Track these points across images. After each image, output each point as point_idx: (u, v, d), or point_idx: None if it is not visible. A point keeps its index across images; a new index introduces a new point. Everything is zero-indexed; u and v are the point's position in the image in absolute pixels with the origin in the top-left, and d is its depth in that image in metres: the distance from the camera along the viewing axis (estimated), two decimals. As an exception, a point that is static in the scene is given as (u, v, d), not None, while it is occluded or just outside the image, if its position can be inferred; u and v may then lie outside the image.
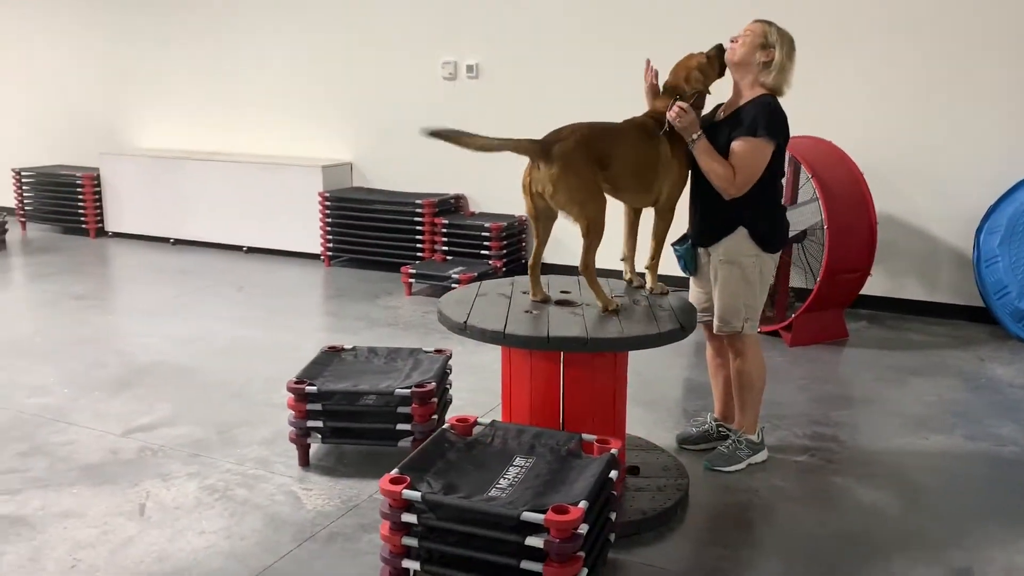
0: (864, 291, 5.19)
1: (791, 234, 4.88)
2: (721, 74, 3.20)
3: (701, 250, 3.30)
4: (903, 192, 5.42)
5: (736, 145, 3.07)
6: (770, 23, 3.19)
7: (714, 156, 3.07)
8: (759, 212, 3.16)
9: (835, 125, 5.29)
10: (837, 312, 5.09)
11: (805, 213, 4.84)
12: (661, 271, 3.23)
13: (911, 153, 5.37)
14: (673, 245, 3.37)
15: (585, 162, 2.85)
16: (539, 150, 2.84)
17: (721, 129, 3.14)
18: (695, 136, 3.05)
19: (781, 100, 3.18)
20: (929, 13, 5.21)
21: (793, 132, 5.43)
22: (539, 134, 2.93)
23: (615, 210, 3.07)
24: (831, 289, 4.83)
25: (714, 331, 3.30)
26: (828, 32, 5.42)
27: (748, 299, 3.20)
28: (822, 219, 4.69)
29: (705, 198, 3.18)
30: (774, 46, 3.14)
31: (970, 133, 5.24)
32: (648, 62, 3.21)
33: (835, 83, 5.44)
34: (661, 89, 3.17)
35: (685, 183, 3.14)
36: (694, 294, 3.39)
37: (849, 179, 4.93)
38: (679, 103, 3.02)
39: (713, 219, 3.20)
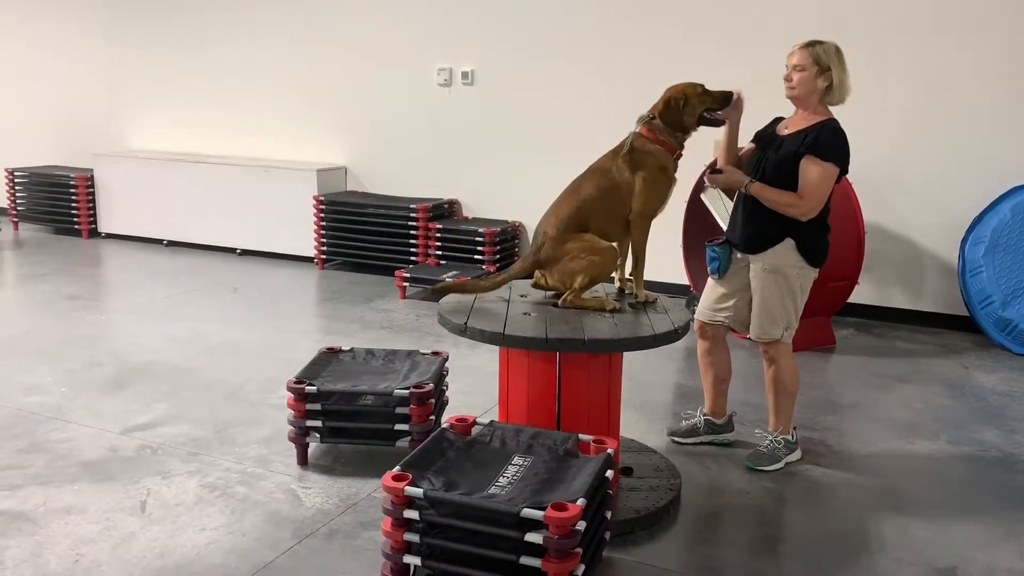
0: (851, 299, 5.29)
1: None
2: (717, 107, 3.19)
3: (740, 255, 3.40)
4: (890, 202, 5.52)
5: (810, 170, 3.17)
6: (814, 43, 3.24)
7: (770, 192, 3.21)
8: (809, 227, 3.27)
9: (824, 136, 5.38)
10: (825, 320, 5.18)
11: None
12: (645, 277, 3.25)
13: (898, 164, 5.48)
14: (709, 244, 3.48)
15: (568, 241, 2.99)
16: (534, 265, 3.06)
17: (786, 145, 3.24)
18: (745, 185, 3.24)
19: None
20: (917, 25, 5.33)
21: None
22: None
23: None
24: (819, 297, 4.89)
25: (751, 338, 3.42)
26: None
27: (788, 309, 3.33)
28: (811, 228, 4.77)
29: (755, 206, 3.27)
30: (830, 67, 3.22)
31: (956, 145, 5.35)
32: None
33: (824, 95, 5.53)
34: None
35: (657, 197, 3.10)
36: (714, 293, 3.50)
37: (837, 189, 4.99)
38: (708, 175, 3.25)
39: (762, 228, 3.28)
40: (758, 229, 3.30)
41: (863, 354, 5.01)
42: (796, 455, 3.53)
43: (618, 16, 6.04)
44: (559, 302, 3.02)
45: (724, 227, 5.18)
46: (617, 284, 3.33)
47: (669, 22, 5.87)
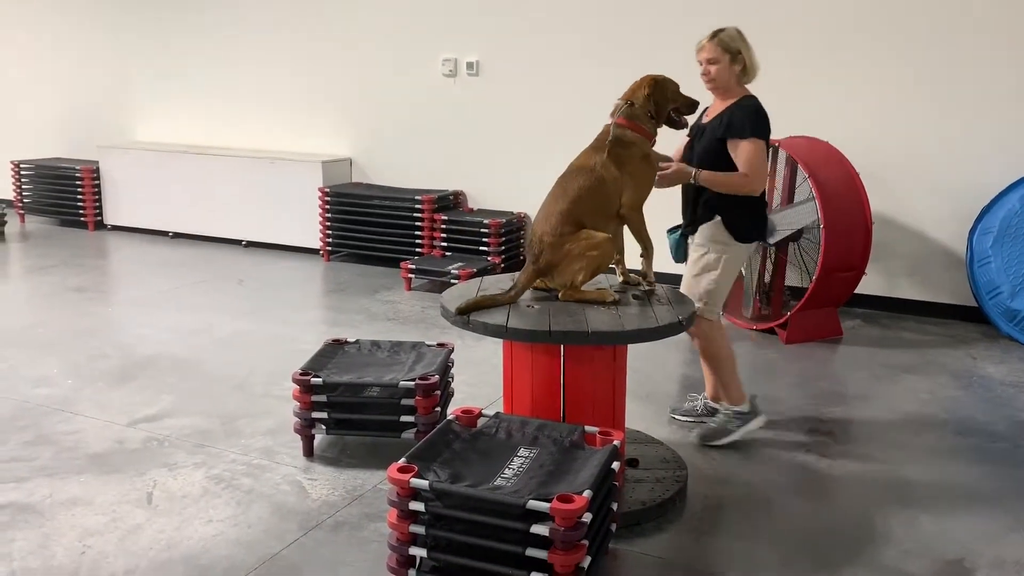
0: (859, 290, 5.27)
1: (787, 233, 4.95)
2: (685, 111, 3.25)
3: (690, 239, 3.52)
4: (898, 193, 5.49)
5: (740, 149, 3.28)
6: (718, 33, 3.36)
7: (718, 177, 3.30)
8: (737, 202, 3.35)
9: (832, 126, 5.36)
10: (832, 310, 5.15)
11: (801, 212, 4.90)
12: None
13: (906, 154, 5.45)
14: (668, 232, 3.59)
15: (566, 242, 2.94)
16: (536, 274, 2.99)
17: (708, 131, 3.37)
18: (693, 177, 3.30)
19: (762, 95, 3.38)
20: (925, 15, 5.29)
21: (790, 132, 5.52)
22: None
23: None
24: (826, 288, 4.90)
25: None
26: (824, 33, 5.49)
27: (708, 284, 3.42)
28: (818, 218, 4.76)
29: (696, 190, 3.39)
30: (740, 51, 3.36)
31: (965, 135, 5.31)
32: None
33: (832, 84, 5.51)
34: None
35: (645, 187, 3.12)
36: (686, 285, 3.53)
37: (845, 179, 4.99)
38: (659, 172, 3.21)
39: (696, 207, 3.42)
40: (694, 209, 3.44)
41: (871, 345, 4.99)
42: (756, 424, 3.56)
43: (625, 4, 6.01)
44: (559, 295, 3.01)
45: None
46: (620, 278, 3.31)
47: (677, 10, 5.84)
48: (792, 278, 5.41)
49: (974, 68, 5.23)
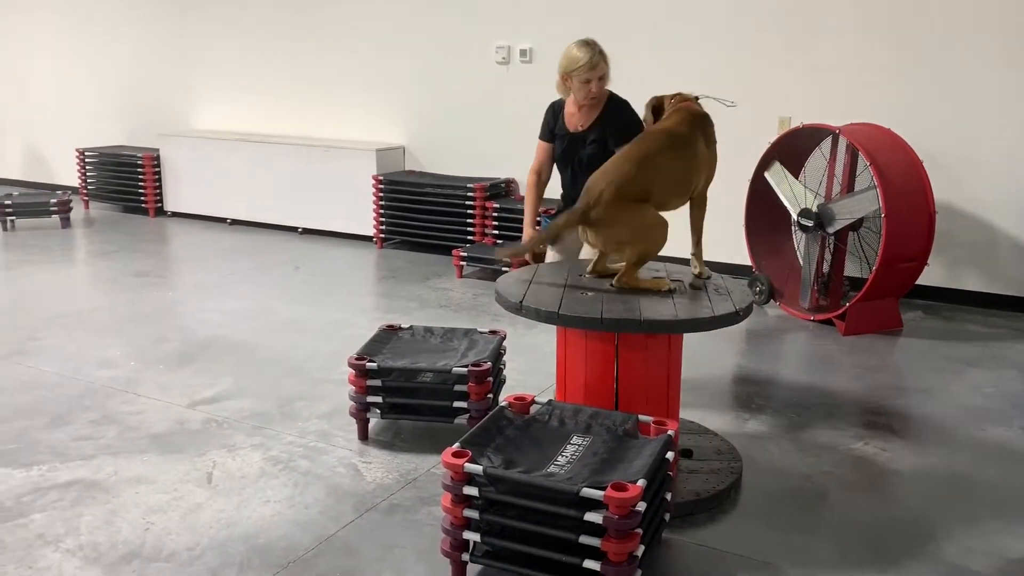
0: (920, 281, 5.13)
1: (847, 222, 4.86)
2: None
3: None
4: (963, 180, 5.33)
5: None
6: (597, 49, 3.48)
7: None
8: None
9: (894, 112, 5.22)
10: (892, 302, 5.03)
11: (862, 201, 4.79)
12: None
13: (971, 140, 5.28)
14: (543, 215, 3.75)
15: (625, 209, 2.85)
16: (580, 220, 2.89)
17: (595, 137, 3.55)
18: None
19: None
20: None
21: (851, 119, 5.40)
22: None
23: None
24: (887, 278, 4.79)
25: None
26: (887, 20, 5.34)
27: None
28: (880, 207, 4.64)
29: (581, 176, 3.40)
30: (606, 62, 3.53)
31: (1034, 121, 5.13)
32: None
33: (894, 70, 5.36)
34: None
35: (714, 173, 3.09)
36: (550, 255, 3.73)
37: (908, 167, 4.86)
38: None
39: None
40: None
41: (932, 337, 4.86)
42: None
43: (680, -10, 5.93)
44: (613, 282, 2.97)
45: (788, 205, 5.10)
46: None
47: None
48: (851, 268, 5.29)
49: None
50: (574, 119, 3.66)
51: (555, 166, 3.82)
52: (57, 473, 3.14)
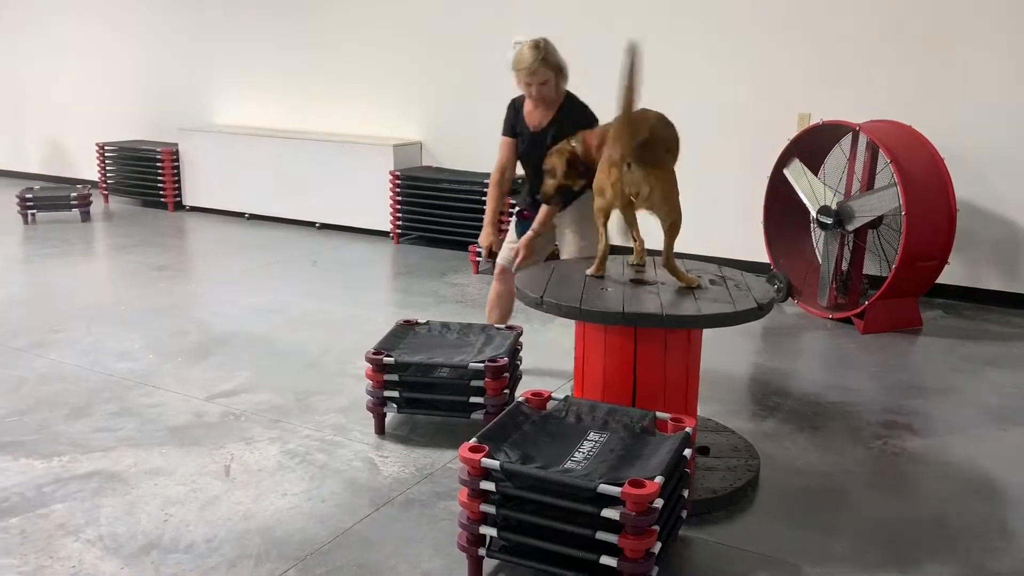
0: (940, 280, 5.08)
1: (867, 220, 4.81)
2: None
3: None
4: (984, 178, 5.27)
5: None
6: (541, 52, 3.49)
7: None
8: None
9: (915, 109, 5.18)
10: (912, 300, 4.99)
11: (883, 199, 4.74)
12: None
13: (993, 138, 5.22)
14: (518, 214, 3.83)
15: (663, 157, 2.85)
16: (632, 152, 2.73)
17: (552, 136, 3.49)
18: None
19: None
20: (1019, -6, 5.05)
21: (872, 116, 5.35)
22: (607, 117, 2.94)
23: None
24: (907, 277, 4.74)
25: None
26: (908, 15, 5.29)
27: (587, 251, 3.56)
28: (900, 205, 4.60)
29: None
30: (561, 65, 3.53)
31: (1059, 119, 5.07)
32: None
33: (914, 66, 5.31)
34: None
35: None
36: (506, 250, 3.83)
37: (929, 165, 4.82)
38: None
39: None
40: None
41: (952, 336, 4.82)
42: None
43: (699, -14, 5.90)
44: (663, 259, 2.93)
45: (807, 203, 5.07)
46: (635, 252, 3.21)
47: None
48: (871, 267, 5.25)
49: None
50: (532, 116, 3.70)
51: (518, 163, 3.84)
52: (77, 464, 3.16)
